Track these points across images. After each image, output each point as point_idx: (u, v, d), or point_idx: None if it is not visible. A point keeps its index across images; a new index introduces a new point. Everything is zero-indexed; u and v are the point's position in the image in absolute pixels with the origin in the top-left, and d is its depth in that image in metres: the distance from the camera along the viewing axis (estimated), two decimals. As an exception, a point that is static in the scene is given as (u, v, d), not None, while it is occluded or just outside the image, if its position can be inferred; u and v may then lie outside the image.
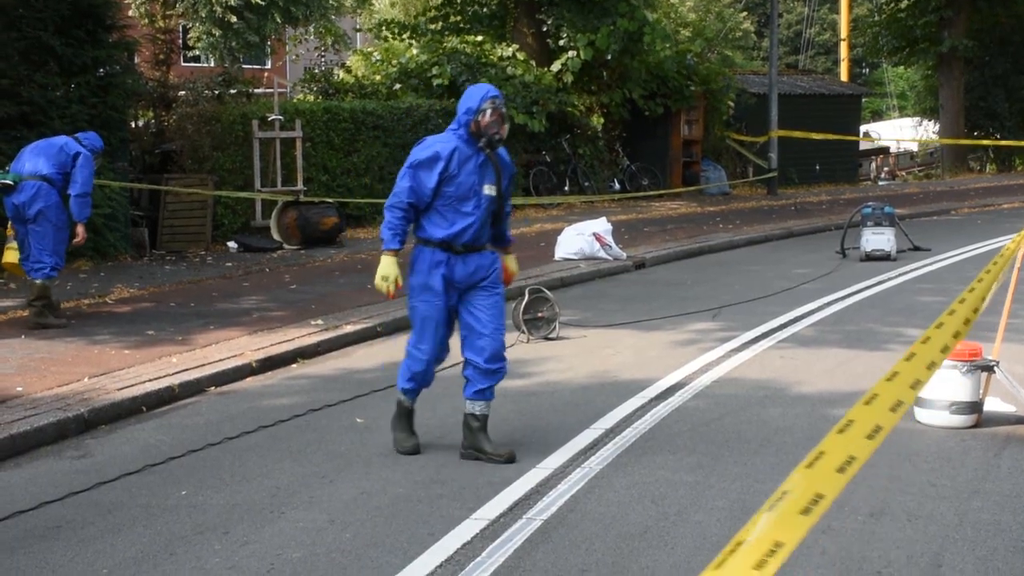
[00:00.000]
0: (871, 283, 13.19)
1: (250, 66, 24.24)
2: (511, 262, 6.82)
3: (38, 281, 10.16)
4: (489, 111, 6.33)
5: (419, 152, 6.38)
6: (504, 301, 6.61)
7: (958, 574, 4.79)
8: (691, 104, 25.44)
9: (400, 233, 6.38)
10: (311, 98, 20.93)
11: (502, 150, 6.56)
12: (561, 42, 22.72)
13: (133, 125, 17.46)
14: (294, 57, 26.79)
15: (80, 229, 10.31)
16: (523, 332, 9.99)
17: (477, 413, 6.48)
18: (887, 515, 5.54)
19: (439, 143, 6.41)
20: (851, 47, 40.18)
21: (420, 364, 6.56)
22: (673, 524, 5.45)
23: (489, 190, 6.43)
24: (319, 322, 10.48)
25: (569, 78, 22.41)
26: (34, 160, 10.21)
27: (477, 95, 6.40)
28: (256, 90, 19.68)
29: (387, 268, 6.40)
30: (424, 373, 6.62)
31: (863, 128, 34.43)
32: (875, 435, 3.24)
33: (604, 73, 23.66)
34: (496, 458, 6.36)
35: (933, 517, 5.48)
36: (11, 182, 10.06)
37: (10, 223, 10.48)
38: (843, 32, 38.80)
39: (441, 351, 6.62)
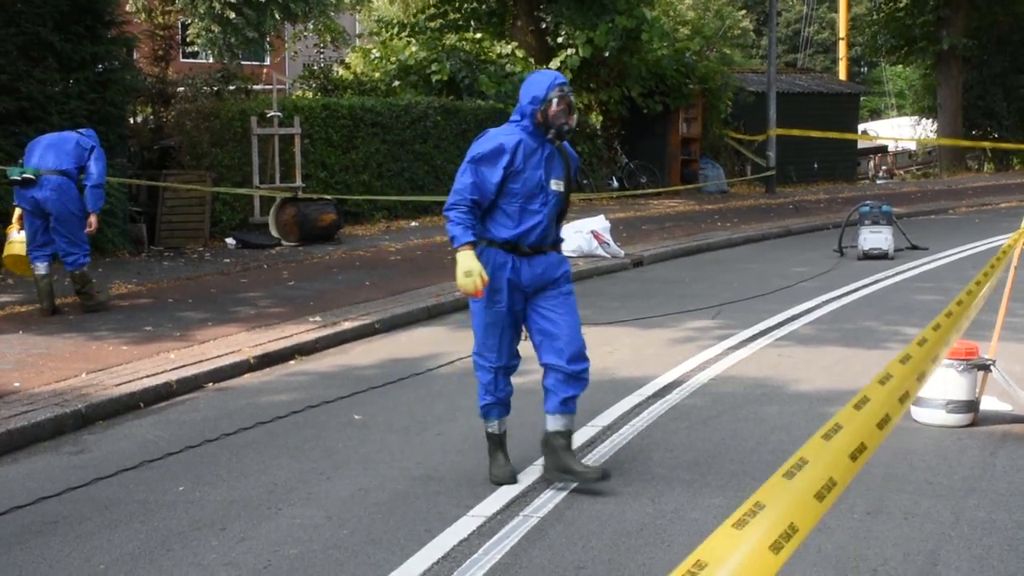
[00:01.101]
0: (869, 282, 13.20)
1: (249, 62, 24.24)
2: None
3: (76, 272, 10.68)
4: (556, 100, 5.79)
5: (481, 145, 5.85)
6: (576, 300, 6.12)
7: (954, 572, 4.80)
8: (690, 102, 25.47)
9: (470, 225, 5.77)
10: (310, 95, 20.94)
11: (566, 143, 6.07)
12: (560, 39, 22.74)
13: (131, 121, 17.48)
14: (293, 54, 26.78)
15: (93, 219, 10.66)
16: (521, 330, 9.97)
17: (561, 429, 5.91)
18: (884, 513, 5.55)
19: (502, 135, 5.86)
20: (850, 46, 40.21)
21: (488, 373, 6.02)
22: (670, 522, 5.45)
23: (556, 186, 5.91)
24: (317, 319, 10.49)
25: (568, 76, 22.41)
26: (50, 155, 10.51)
27: (543, 83, 5.84)
28: (255, 86, 19.70)
29: (467, 263, 5.69)
30: (494, 383, 6.03)
31: (861, 127, 34.43)
32: (884, 424, 3.23)
33: (602, 71, 23.67)
34: (591, 476, 5.81)
35: (929, 515, 5.49)
36: (32, 176, 10.26)
37: (16, 215, 10.63)
38: (842, 31, 38.84)
39: (510, 359, 6.06)
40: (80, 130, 11.06)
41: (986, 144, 30.93)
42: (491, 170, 5.78)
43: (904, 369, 3.65)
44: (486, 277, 5.73)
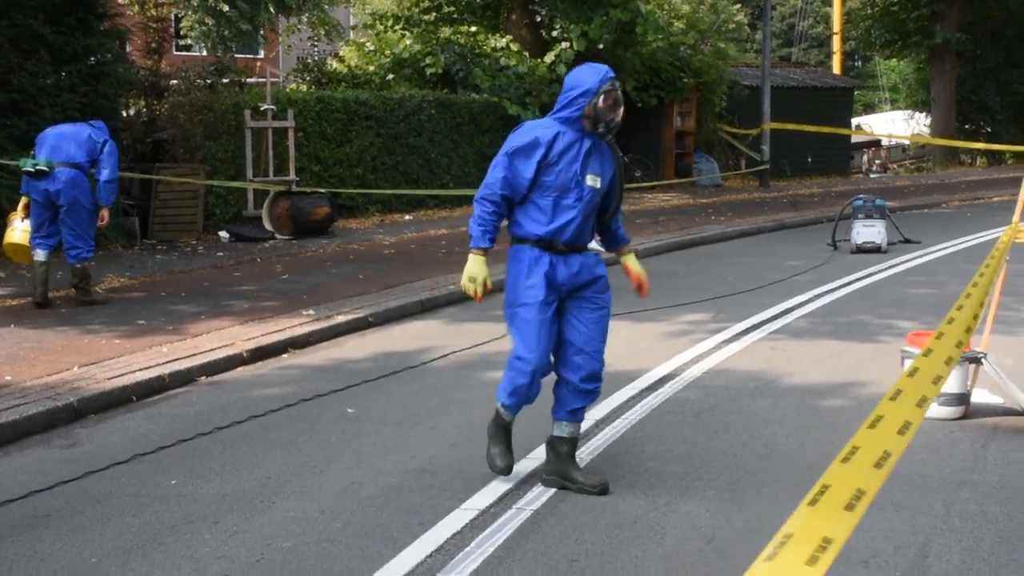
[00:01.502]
0: (862, 275, 13.22)
1: (243, 55, 24.21)
2: (633, 262, 6.09)
3: (78, 265, 10.70)
4: (606, 93, 5.60)
5: (517, 138, 5.68)
6: (609, 316, 5.91)
7: (945, 564, 4.81)
8: (684, 96, 25.47)
9: (491, 230, 5.67)
10: (304, 88, 20.91)
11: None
12: (554, 33, 22.73)
13: (124, 114, 17.44)
14: (287, 47, 26.75)
15: (105, 213, 10.83)
16: (514, 323, 9.99)
17: (566, 436, 5.82)
18: (875, 506, 5.54)
19: (539, 128, 5.69)
20: (844, 40, 40.22)
21: (525, 376, 5.70)
22: (663, 514, 5.46)
23: (592, 181, 5.69)
24: (310, 312, 10.48)
25: (563, 69, 22.37)
26: (63, 147, 10.57)
27: (596, 75, 5.63)
28: (249, 79, 19.66)
29: (475, 268, 5.70)
30: (529, 387, 5.75)
31: (855, 121, 34.49)
32: (905, 431, 3.24)
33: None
34: (589, 489, 5.70)
35: (921, 508, 5.50)
36: (46, 167, 10.30)
37: (22, 204, 10.67)
38: (836, 25, 38.89)
39: (548, 361, 5.78)
40: (91, 122, 11.08)
41: (979, 145, 31.00)
42: (525, 164, 5.62)
43: (928, 361, 3.67)
44: (489, 285, 5.77)
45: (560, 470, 5.80)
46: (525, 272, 5.69)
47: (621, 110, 5.70)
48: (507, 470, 5.87)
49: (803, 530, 2.63)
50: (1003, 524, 5.31)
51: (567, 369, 5.78)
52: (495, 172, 5.66)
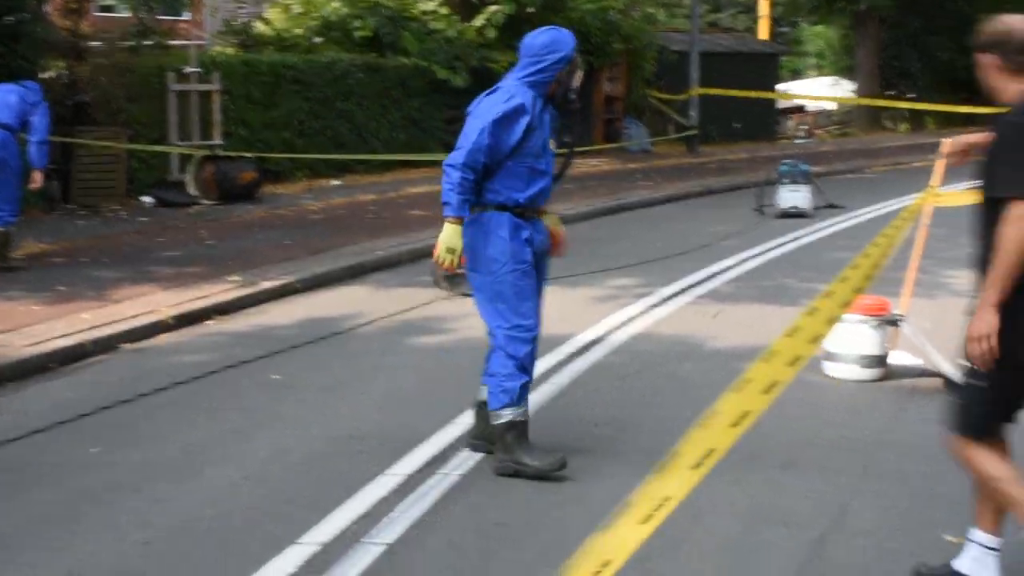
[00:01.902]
0: (787, 239, 13.37)
1: (166, 17, 23.74)
2: (556, 223, 5.88)
3: (1, 229, 10.48)
4: (574, 61, 5.59)
5: (501, 104, 5.42)
6: None
7: (863, 522, 4.91)
8: (613, 61, 25.46)
9: (471, 198, 5.42)
10: (230, 51, 20.59)
11: None
12: (484, -4, 22.57)
13: (44, 76, 17.03)
14: (212, 9, 26.28)
15: (38, 175, 10.66)
16: (443, 288, 9.96)
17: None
18: (796, 467, 5.65)
19: (519, 93, 5.46)
20: (771, 5, 40.39)
21: (527, 343, 5.51)
22: (590, 477, 5.50)
23: (552, 146, 5.67)
24: (236, 278, 10.37)
25: (492, 33, 22.27)
26: None
27: (569, 42, 5.56)
28: (173, 42, 19.29)
29: (452, 238, 5.39)
30: (532, 353, 5.57)
31: (782, 87, 34.77)
32: (771, 390, 3.37)
33: (527, 28, 23.51)
34: (545, 469, 5.48)
35: (841, 468, 5.60)
36: None
37: None
38: (764, -10, 39.05)
39: (540, 323, 5.66)
40: (23, 82, 10.82)
41: (902, 104, 31.48)
42: (510, 131, 5.40)
43: (812, 320, 3.78)
44: (464, 258, 5.54)
45: (490, 434, 5.67)
46: (508, 237, 5.47)
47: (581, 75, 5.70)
48: (563, 461, 5.50)
49: (643, 496, 2.74)
50: (919, 482, 5.43)
51: None
52: (480, 139, 5.35)
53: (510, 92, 5.49)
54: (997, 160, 3.98)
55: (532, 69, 5.53)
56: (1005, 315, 3.94)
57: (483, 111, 5.45)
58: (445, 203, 5.37)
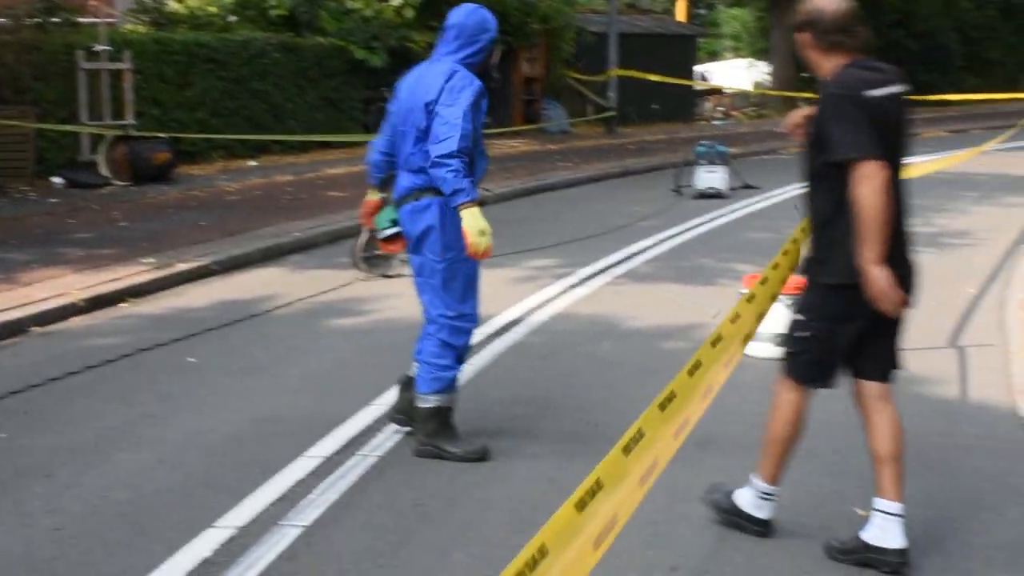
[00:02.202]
0: (704, 220, 13.51)
1: (76, -6, 23.22)
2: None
3: None
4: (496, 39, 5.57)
5: (474, 88, 5.33)
6: None
7: (775, 498, 4.97)
8: (532, 42, 25.46)
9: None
10: (141, 29, 20.21)
11: None
12: (401, -24, 22.41)
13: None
14: (123, -14, 25.78)
15: None
16: (361, 270, 9.93)
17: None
18: (714, 444, 5.71)
19: (471, 74, 5.39)
20: (689, -13, 40.74)
21: (467, 335, 5.56)
22: (508, 458, 5.51)
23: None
24: (150, 260, 10.21)
25: (410, 13, 22.14)
26: None
27: (493, 21, 5.53)
28: (82, 19, 18.88)
29: (482, 221, 5.19)
30: (469, 346, 5.65)
31: (699, 68, 35.06)
32: (695, 370, 3.43)
33: (445, 8, 23.43)
34: (468, 456, 5.46)
35: (756, 445, 5.64)
36: None
37: None
38: (680, -28, 39.34)
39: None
40: None
41: (808, 94, 31.91)
42: (478, 115, 5.35)
43: (750, 307, 3.89)
44: (402, 243, 5.51)
45: (413, 410, 5.60)
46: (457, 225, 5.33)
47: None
48: (486, 450, 5.52)
49: (576, 479, 2.79)
50: (828, 457, 5.53)
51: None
52: (465, 124, 5.23)
53: (468, 75, 5.37)
54: (826, 129, 4.20)
55: (470, 50, 5.47)
56: (823, 272, 4.33)
57: (462, 97, 5.28)
58: (459, 190, 5.16)
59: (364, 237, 9.91)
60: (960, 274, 10.27)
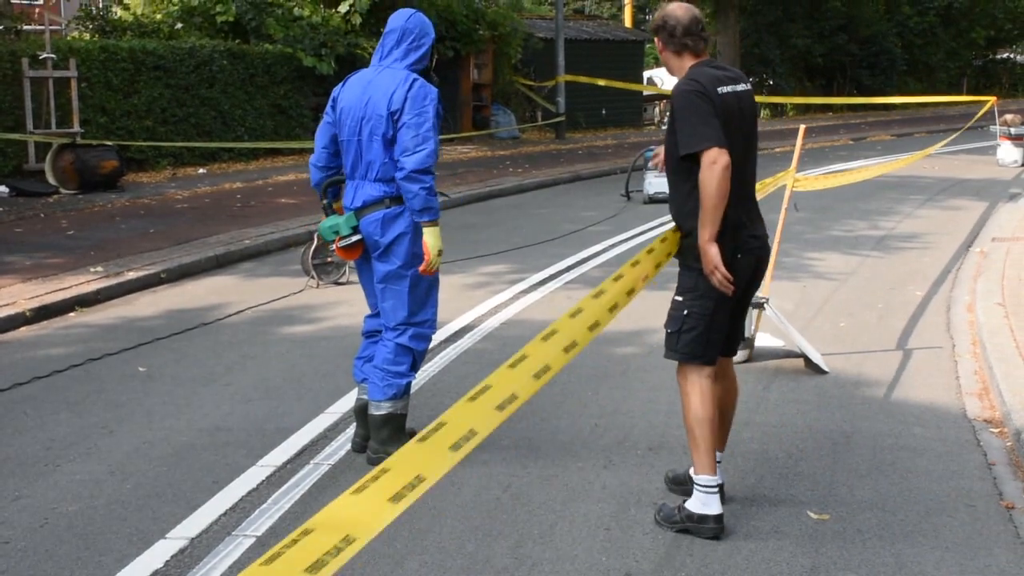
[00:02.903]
0: (654, 225, 13.57)
1: (20, 1, 22.98)
2: None
3: None
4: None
5: (435, 97, 5.33)
6: None
7: (728, 503, 5.01)
8: (480, 48, 25.50)
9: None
10: (87, 37, 20.01)
11: None
12: (348, -18, 22.35)
13: None
14: (68, -8, 25.54)
15: None
16: (312, 277, 9.89)
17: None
18: (665, 449, 5.75)
19: (427, 82, 5.42)
20: (636, -7, 40.96)
21: (427, 341, 5.60)
22: (461, 465, 5.41)
23: None
24: (99, 269, 10.12)
25: (357, 20, 22.10)
26: None
27: (431, 24, 5.55)
28: (26, 27, 18.67)
29: (441, 240, 5.36)
30: (426, 350, 5.65)
31: (646, 74, 35.25)
32: (542, 374, 3.53)
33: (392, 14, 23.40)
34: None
35: (707, 448, 5.71)
36: None
37: None
38: (628, -21, 39.52)
39: None
40: None
41: (762, 99, 32.31)
42: (438, 123, 5.38)
43: (597, 303, 4.03)
44: (356, 250, 5.49)
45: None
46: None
47: None
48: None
49: (401, 465, 2.80)
50: (782, 461, 5.58)
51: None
52: (436, 137, 5.29)
53: (424, 83, 5.35)
54: (677, 124, 4.59)
55: (416, 55, 5.46)
56: (691, 256, 4.67)
57: (429, 107, 5.27)
58: (429, 208, 5.24)
59: (314, 244, 9.88)
60: (907, 277, 10.40)
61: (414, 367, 5.57)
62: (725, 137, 4.47)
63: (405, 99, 5.28)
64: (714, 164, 4.41)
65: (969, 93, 41.78)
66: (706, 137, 4.45)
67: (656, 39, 4.84)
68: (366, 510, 2.65)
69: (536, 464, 5.53)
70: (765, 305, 7.35)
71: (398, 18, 5.53)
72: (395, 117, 5.28)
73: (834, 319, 8.70)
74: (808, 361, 7.22)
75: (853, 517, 4.87)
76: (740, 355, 7.33)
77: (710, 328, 4.72)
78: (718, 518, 4.66)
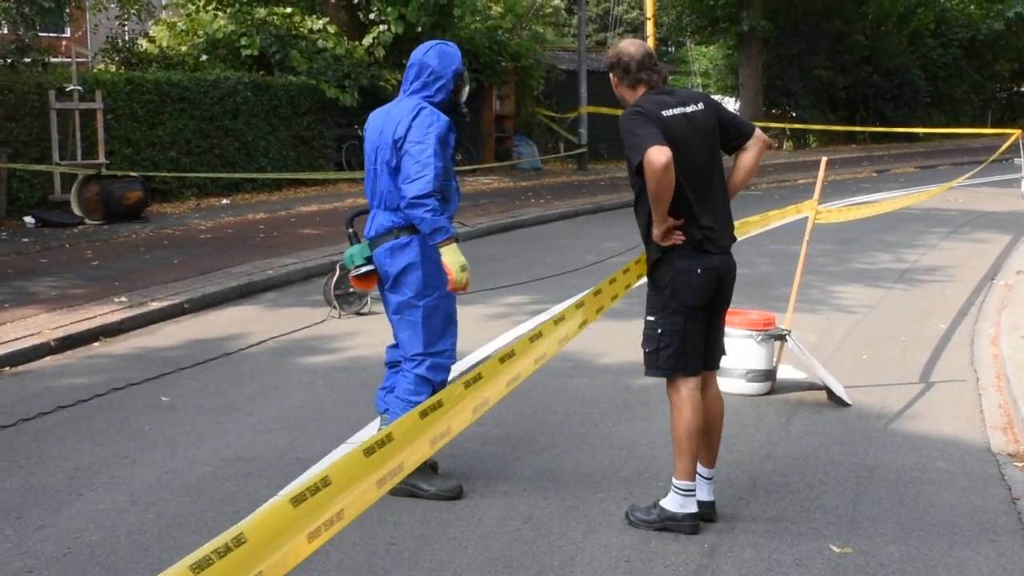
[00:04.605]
0: (675, 256, 13.55)
1: (47, 34, 23.24)
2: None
3: None
4: (465, 72, 5.58)
5: (439, 125, 5.31)
6: None
7: (750, 535, 5.00)
8: (503, 80, 25.64)
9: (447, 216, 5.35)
10: (113, 69, 20.22)
11: None
12: (372, 15, 22.53)
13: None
14: (94, 26, 25.81)
15: None
16: (334, 308, 9.93)
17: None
18: (686, 480, 5.72)
19: (438, 112, 5.38)
20: (657, 25, 41.07)
21: (446, 372, 5.57)
22: (481, 496, 5.51)
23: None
24: (123, 299, 10.18)
25: (381, 52, 22.27)
26: None
27: (459, 56, 5.50)
28: (53, 59, 18.89)
29: (461, 256, 5.26)
30: (447, 380, 5.56)
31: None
32: (506, 359, 3.68)
33: (415, 47, 23.55)
34: (442, 495, 5.45)
35: (729, 481, 5.69)
36: None
37: None
38: (649, 11, 39.68)
39: None
40: None
41: (785, 125, 32.33)
42: (446, 151, 5.35)
43: (554, 327, 4.22)
44: (375, 279, 5.48)
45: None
46: (439, 262, 5.32)
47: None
48: (460, 489, 5.51)
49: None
50: (805, 494, 5.55)
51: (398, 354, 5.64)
52: (437, 162, 5.23)
53: (435, 112, 5.36)
54: (625, 147, 4.89)
55: (436, 87, 5.46)
56: (669, 268, 5.02)
57: (428, 134, 5.27)
58: (438, 229, 5.19)
59: (337, 275, 9.92)
60: (931, 310, 10.36)
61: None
62: (678, 154, 4.73)
63: (409, 127, 5.31)
64: (650, 164, 4.65)
65: (993, 126, 41.68)
66: (644, 145, 4.71)
67: (612, 75, 5.13)
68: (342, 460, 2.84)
69: (557, 495, 5.52)
70: (787, 337, 7.34)
71: (418, 52, 5.58)
72: (399, 145, 5.32)
73: (857, 352, 8.67)
74: (831, 394, 7.19)
75: (876, 551, 4.84)
76: (762, 387, 7.32)
77: (684, 341, 4.99)
78: (695, 515, 4.99)
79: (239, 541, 2.40)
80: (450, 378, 5.59)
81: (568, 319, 4.70)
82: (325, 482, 2.73)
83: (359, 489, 2.88)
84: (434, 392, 5.51)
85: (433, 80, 5.47)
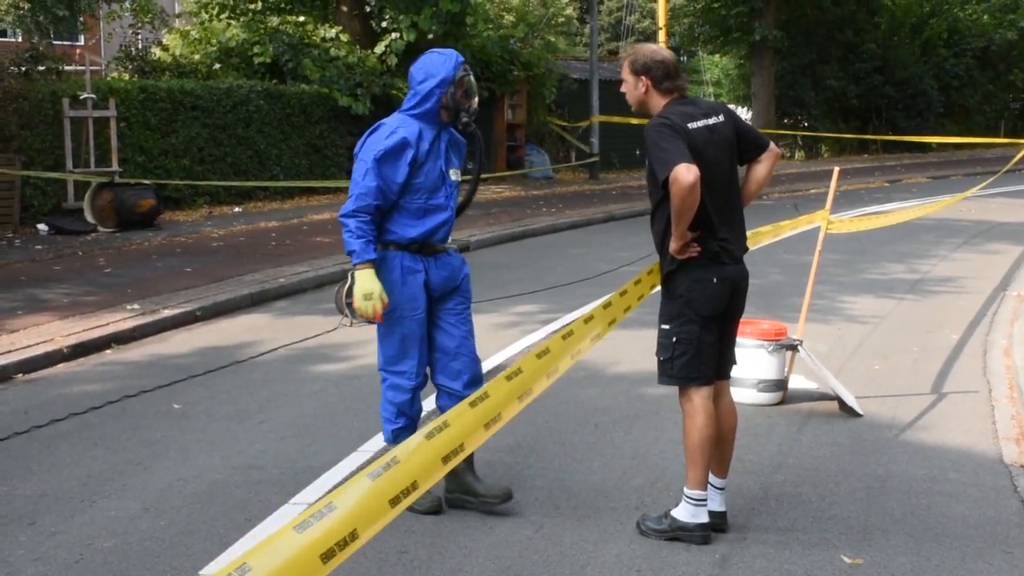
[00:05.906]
0: (687, 266, 13.55)
1: (61, 43, 23.32)
2: None
3: None
4: (460, 81, 5.27)
5: (381, 141, 5.17)
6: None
7: (761, 545, 4.99)
8: (514, 88, 25.67)
9: (372, 239, 5.14)
10: (126, 77, 20.30)
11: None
12: (384, 24, 22.58)
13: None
14: (108, 34, 25.92)
15: None
16: (346, 315, 9.95)
17: None
18: (697, 490, 5.71)
19: (402, 127, 5.21)
20: (669, 35, 41.09)
21: (406, 393, 5.37)
22: (491, 505, 5.50)
23: (455, 175, 5.44)
24: (135, 306, 10.21)
25: (393, 60, 22.31)
26: None
27: (449, 63, 5.26)
28: (67, 67, 18.97)
29: (368, 283, 5.08)
30: (411, 402, 5.40)
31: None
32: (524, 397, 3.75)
33: (429, 56, 23.60)
34: (491, 500, 5.39)
35: (740, 491, 5.69)
36: None
37: None
38: (661, 20, 39.71)
39: (425, 374, 5.44)
40: None
41: (798, 132, 32.34)
42: (395, 169, 5.15)
43: (563, 343, 4.24)
44: (386, 299, 5.17)
45: (460, 486, 5.43)
46: (399, 281, 5.25)
47: (476, 98, 5.39)
48: (440, 506, 5.45)
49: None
50: (816, 505, 5.54)
51: (447, 377, 5.44)
52: (367, 182, 5.12)
53: (392, 127, 5.24)
54: (650, 157, 4.87)
55: (414, 101, 5.31)
56: (684, 277, 5.00)
57: (366, 152, 5.20)
58: (350, 253, 5.13)
59: (348, 283, 9.92)
60: (943, 320, 10.34)
61: (401, 415, 5.42)
62: (702, 167, 4.70)
63: (361, 145, 5.29)
64: (676, 181, 4.63)
65: (1007, 136, 41.57)
66: (671, 161, 4.67)
67: (641, 78, 5.03)
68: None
69: (568, 504, 5.52)
70: (799, 347, 7.33)
71: (413, 65, 5.46)
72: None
73: (868, 362, 8.65)
74: (842, 404, 7.18)
75: (888, 562, 4.83)
76: (774, 397, 7.31)
77: (699, 350, 5.00)
78: (707, 525, 4.99)
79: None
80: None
81: (596, 318, 4.86)
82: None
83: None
84: (399, 412, 5.42)
85: (416, 92, 5.31)
